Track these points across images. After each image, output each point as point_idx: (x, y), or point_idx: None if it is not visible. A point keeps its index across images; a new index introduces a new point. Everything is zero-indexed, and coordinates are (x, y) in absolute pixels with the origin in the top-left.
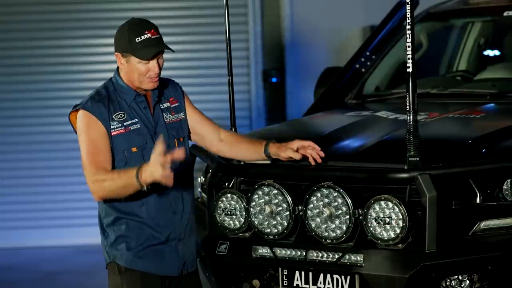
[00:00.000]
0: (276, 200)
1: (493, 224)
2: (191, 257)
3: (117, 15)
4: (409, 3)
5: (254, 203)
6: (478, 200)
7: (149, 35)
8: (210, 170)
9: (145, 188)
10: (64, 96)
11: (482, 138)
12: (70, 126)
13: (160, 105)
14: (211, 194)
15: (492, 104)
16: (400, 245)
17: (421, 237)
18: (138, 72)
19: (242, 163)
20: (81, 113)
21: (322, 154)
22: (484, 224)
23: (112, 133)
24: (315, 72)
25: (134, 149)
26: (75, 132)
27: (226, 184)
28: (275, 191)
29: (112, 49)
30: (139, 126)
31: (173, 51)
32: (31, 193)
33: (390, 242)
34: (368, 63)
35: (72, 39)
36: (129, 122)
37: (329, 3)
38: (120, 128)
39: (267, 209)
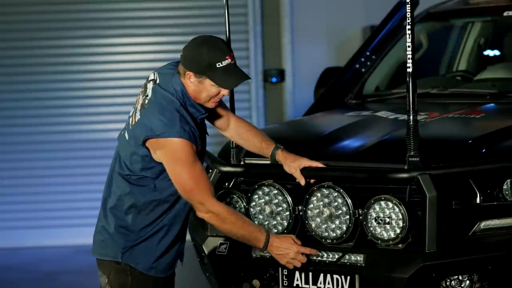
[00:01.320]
0: (276, 200)
1: (493, 224)
2: (183, 249)
3: (117, 15)
4: (409, 3)
5: (254, 203)
6: (478, 200)
7: (229, 60)
8: (210, 170)
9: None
10: (64, 96)
11: (482, 138)
12: (70, 126)
13: None
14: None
15: (492, 104)
16: (400, 245)
17: (421, 237)
18: (208, 94)
19: (242, 163)
20: (176, 142)
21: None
22: (484, 224)
23: None
24: (315, 72)
25: None
26: (149, 153)
27: (226, 184)
28: (275, 191)
29: (113, 49)
30: (199, 143)
31: (250, 78)
32: (31, 193)
33: (390, 242)
34: (368, 63)
35: (72, 39)
36: (196, 140)
37: (329, 3)
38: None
39: (267, 209)
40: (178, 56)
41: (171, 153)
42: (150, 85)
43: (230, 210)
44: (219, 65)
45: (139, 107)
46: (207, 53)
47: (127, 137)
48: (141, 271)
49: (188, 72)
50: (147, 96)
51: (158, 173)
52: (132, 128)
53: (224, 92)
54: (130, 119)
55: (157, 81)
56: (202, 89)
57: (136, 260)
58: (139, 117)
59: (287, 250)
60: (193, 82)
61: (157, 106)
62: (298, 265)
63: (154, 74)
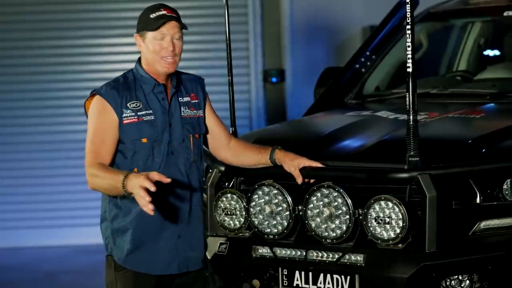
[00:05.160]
0: (276, 200)
1: (493, 224)
2: (194, 255)
3: (117, 15)
4: (409, 3)
5: (254, 203)
6: (478, 200)
7: (164, 12)
8: (210, 170)
9: (130, 196)
10: (64, 96)
11: (482, 138)
12: (70, 126)
13: (180, 98)
14: (211, 194)
15: (492, 104)
16: (400, 245)
17: (421, 237)
18: (153, 50)
19: None
20: (95, 99)
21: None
22: (484, 224)
23: (124, 121)
24: (315, 72)
25: (144, 140)
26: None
27: (226, 184)
28: (275, 191)
29: (113, 49)
30: (152, 118)
31: (186, 28)
32: (31, 193)
33: (390, 242)
34: (368, 63)
35: (72, 39)
36: (143, 112)
37: (329, 3)
38: (132, 117)
39: (267, 209)
40: None
41: (90, 110)
42: None
43: (100, 166)
44: (153, 15)
45: None
46: (145, 11)
47: None
48: (120, 264)
49: (135, 36)
50: None
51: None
52: None
53: (169, 47)
54: None
55: None
56: (148, 48)
57: (114, 250)
58: None
59: (136, 185)
60: (141, 45)
61: None
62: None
63: None
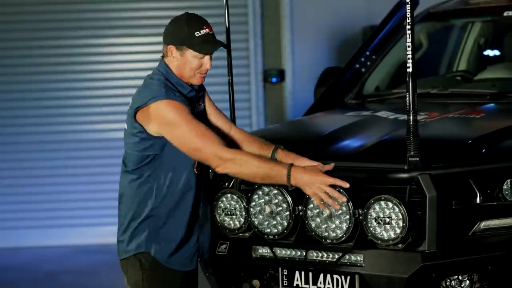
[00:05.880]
0: (276, 200)
1: (493, 224)
2: (207, 245)
3: (117, 15)
4: (409, 3)
5: (254, 203)
6: (478, 200)
7: (207, 30)
8: (210, 170)
9: (289, 187)
10: (64, 96)
11: (482, 138)
12: (70, 126)
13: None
14: (211, 194)
15: (492, 104)
16: (400, 245)
17: (421, 237)
18: (191, 67)
19: None
20: (167, 103)
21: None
22: (484, 224)
23: None
24: (315, 72)
25: None
26: (143, 129)
27: (226, 184)
28: (275, 191)
29: (113, 49)
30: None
31: (226, 47)
32: (31, 193)
33: (390, 242)
34: (368, 63)
35: (72, 39)
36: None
37: (330, 3)
38: None
39: (267, 209)
40: None
41: (163, 117)
42: None
43: (239, 150)
44: (197, 34)
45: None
46: (186, 25)
47: (125, 127)
48: (160, 261)
49: (169, 47)
50: None
51: (161, 148)
52: (127, 115)
53: (207, 65)
54: None
55: None
56: (185, 62)
57: (156, 247)
58: (130, 103)
59: (316, 183)
60: (175, 57)
61: (142, 85)
62: (325, 196)
63: None
